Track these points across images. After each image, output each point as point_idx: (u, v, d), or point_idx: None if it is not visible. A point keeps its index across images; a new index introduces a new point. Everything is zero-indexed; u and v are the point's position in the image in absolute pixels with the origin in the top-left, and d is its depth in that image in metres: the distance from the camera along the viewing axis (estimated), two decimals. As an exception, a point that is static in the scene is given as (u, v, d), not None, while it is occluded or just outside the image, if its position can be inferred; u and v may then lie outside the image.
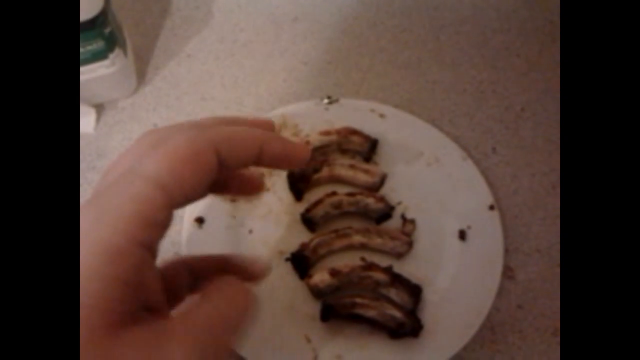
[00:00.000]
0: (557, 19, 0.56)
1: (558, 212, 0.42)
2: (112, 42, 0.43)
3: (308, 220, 0.39)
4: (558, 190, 0.44)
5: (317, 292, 0.36)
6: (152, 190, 0.18)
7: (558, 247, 0.40)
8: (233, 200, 0.41)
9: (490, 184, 0.43)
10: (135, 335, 0.17)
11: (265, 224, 0.40)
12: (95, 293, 0.16)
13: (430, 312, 0.36)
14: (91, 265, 0.16)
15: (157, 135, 0.21)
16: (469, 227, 0.40)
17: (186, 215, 0.40)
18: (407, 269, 0.38)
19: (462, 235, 0.39)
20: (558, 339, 0.37)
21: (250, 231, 0.40)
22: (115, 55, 0.44)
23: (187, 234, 0.39)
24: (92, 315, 0.16)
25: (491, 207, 0.40)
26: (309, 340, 0.35)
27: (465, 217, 0.40)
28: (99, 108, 0.47)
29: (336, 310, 0.35)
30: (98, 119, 0.47)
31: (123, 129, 0.46)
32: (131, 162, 0.20)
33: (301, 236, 0.39)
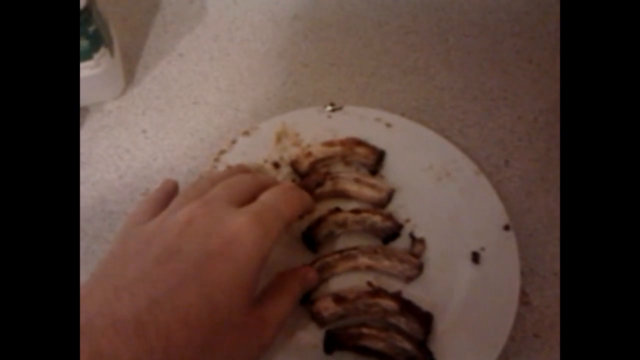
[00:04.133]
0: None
1: (575, 231, 0.40)
2: (97, 42, 0.40)
3: (309, 240, 0.36)
4: (574, 207, 0.41)
5: (320, 320, 0.33)
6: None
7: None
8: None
9: (504, 200, 0.40)
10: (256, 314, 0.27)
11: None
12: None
13: (441, 342, 0.33)
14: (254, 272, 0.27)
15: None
16: (482, 249, 0.37)
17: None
18: (416, 293, 0.35)
19: (476, 257, 0.37)
20: (575, 369, 0.34)
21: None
22: (101, 55, 0.40)
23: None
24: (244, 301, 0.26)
25: (506, 227, 0.38)
26: (315, 346, 0.32)
27: (479, 238, 0.37)
28: (84, 111, 0.44)
29: (341, 340, 0.32)
30: (82, 123, 0.43)
31: (109, 135, 0.43)
32: None
33: (302, 256, 0.36)
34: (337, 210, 0.37)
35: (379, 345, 0.32)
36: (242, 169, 0.37)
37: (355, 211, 0.37)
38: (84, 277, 0.36)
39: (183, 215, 0.26)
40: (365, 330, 0.32)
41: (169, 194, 0.33)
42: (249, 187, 0.30)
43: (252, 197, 0.29)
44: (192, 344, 0.23)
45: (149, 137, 0.43)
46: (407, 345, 0.31)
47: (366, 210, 0.37)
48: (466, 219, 0.38)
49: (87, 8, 0.37)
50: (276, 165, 0.40)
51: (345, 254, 0.35)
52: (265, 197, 0.29)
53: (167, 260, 0.25)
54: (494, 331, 0.33)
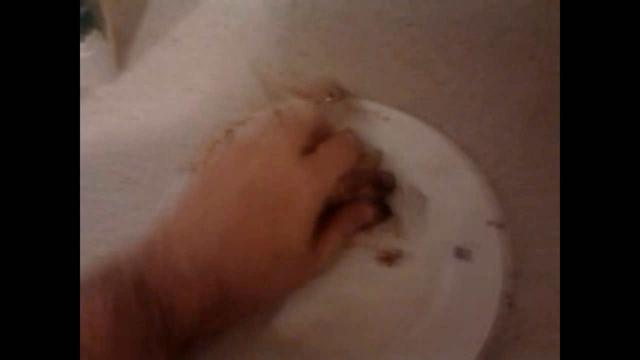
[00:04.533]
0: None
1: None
2: (89, 23, 0.39)
3: None
4: (570, 208, 0.41)
5: None
6: None
7: (559, 273, 0.38)
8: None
9: (497, 198, 0.39)
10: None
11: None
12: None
13: (422, 338, 0.34)
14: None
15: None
16: (469, 245, 0.37)
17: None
18: (402, 285, 0.36)
19: (460, 252, 0.36)
20: (558, 374, 0.34)
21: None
22: (93, 37, 0.39)
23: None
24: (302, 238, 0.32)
25: (499, 226, 0.38)
26: None
27: (466, 235, 0.37)
28: (73, 96, 0.43)
29: None
30: (71, 108, 0.42)
31: (99, 121, 0.42)
32: None
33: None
34: None
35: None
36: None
37: None
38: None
39: (258, 159, 0.32)
40: None
41: None
42: (309, 133, 0.34)
43: (312, 140, 0.34)
44: (263, 266, 0.30)
45: (140, 124, 0.42)
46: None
47: None
48: (457, 215, 0.38)
49: (78, -11, 0.36)
50: None
51: None
52: (324, 150, 0.34)
53: (244, 196, 0.31)
54: (475, 329, 0.33)
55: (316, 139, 0.35)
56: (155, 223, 0.31)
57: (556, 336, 0.35)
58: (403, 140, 0.41)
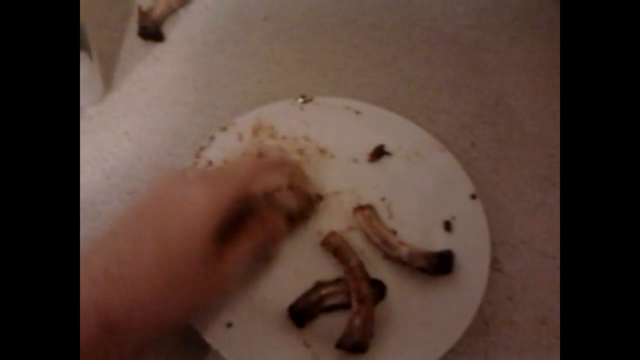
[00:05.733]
0: (525, 15, 0.57)
1: (539, 203, 0.43)
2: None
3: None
4: (537, 181, 0.45)
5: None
6: None
7: (542, 237, 0.41)
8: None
9: (472, 178, 0.43)
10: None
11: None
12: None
13: (422, 306, 0.36)
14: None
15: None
16: (453, 218, 0.40)
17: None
18: (391, 267, 0.38)
19: (448, 226, 0.40)
20: (547, 326, 0.38)
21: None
22: (81, 60, 0.41)
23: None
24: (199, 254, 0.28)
25: (473, 196, 0.41)
26: (308, 346, 0.34)
27: (449, 208, 0.40)
28: (64, 117, 0.44)
29: (308, 311, 0.35)
30: (64, 129, 0.44)
31: (92, 139, 0.44)
32: None
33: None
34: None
35: (340, 299, 0.35)
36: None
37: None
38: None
39: (154, 187, 0.31)
40: (323, 292, 0.35)
41: None
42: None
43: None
44: (155, 293, 0.27)
45: (131, 138, 0.44)
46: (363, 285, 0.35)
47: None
48: (436, 192, 0.41)
49: (66, 14, 0.38)
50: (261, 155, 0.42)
51: None
52: (225, 165, 0.34)
53: (132, 221, 0.29)
54: (470, 293, 0.36)
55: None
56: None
57: (543, 293, 0.39)
58: (375, 129, 0.44)
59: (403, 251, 0.37)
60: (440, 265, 0.37)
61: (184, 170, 0.33)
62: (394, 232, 0.39)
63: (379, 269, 0.38)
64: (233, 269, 0.31)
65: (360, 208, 0.40)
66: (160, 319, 0.28)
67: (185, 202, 0.29)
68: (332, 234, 0.38)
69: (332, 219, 0.40)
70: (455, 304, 0.36)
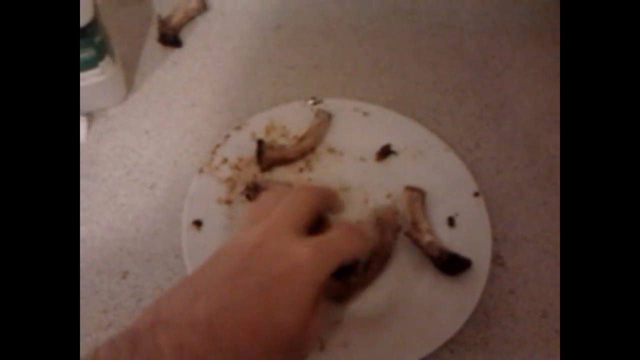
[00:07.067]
0: (528, 22, 0.59)
1: (540, 202, 0.45)
2: (102, 51, 0.43)
3: None
4: (539, 182, 0.46)
5: None
6: None
7: (543, 234, 0.43)
8: (229, 202, 0.42)
9: (477, 177, 0.45)
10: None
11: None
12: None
13: (425, 298, 0.38)
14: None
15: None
16: (456, 214, 0.42)
17: (184, 219, 0.40)
18: (399, 256, 0.40)
19: (451, 222, 0.41)
20: (547, 320, 0.39)
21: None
22: (106, 63, 0.44)
23: (187, 237, 0.39)
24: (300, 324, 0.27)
25: (476, 194, 0.43)
26: None
27: (453, 205, 0.42)
28: (89, 116, 0.47)
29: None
30: (89, 128, 0.47)
31: (114, 137, 0.46)
32: None
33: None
34: None
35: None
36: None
37: None
38: (91, 270, 0.40)
39: (253, 237, 0.29)
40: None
41: None
42: (310, 210, 0.32)
43: (314, 218, 0.32)
44: (254, 351, 0.26)
45: (152, 136, 0.47)
46: None
47: None
48: (440, 189, 0.43)
49: (94, 20, 0.41)
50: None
51: None
52: (331, 234, 0.31)
53: (235, 276, 0.27)
54: (472, 284, 0.38)
55: (322, 222, 0.33)
56: (144, 311, 0.27)
57: (544, 288, 0.40)
58: (381, 130, 0.46)
59: (426, 238, 0.39)
60: (447, 263, 0.38)
61: (284, 219, 0.30)
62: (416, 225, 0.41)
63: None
64: (318, 332, 0.29)
65: (410, 188, 0.42)
66: None
67: (295, 270, 0.28)
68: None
69: (341, 213, 0.42)
70: (457, 296, 0.38)
